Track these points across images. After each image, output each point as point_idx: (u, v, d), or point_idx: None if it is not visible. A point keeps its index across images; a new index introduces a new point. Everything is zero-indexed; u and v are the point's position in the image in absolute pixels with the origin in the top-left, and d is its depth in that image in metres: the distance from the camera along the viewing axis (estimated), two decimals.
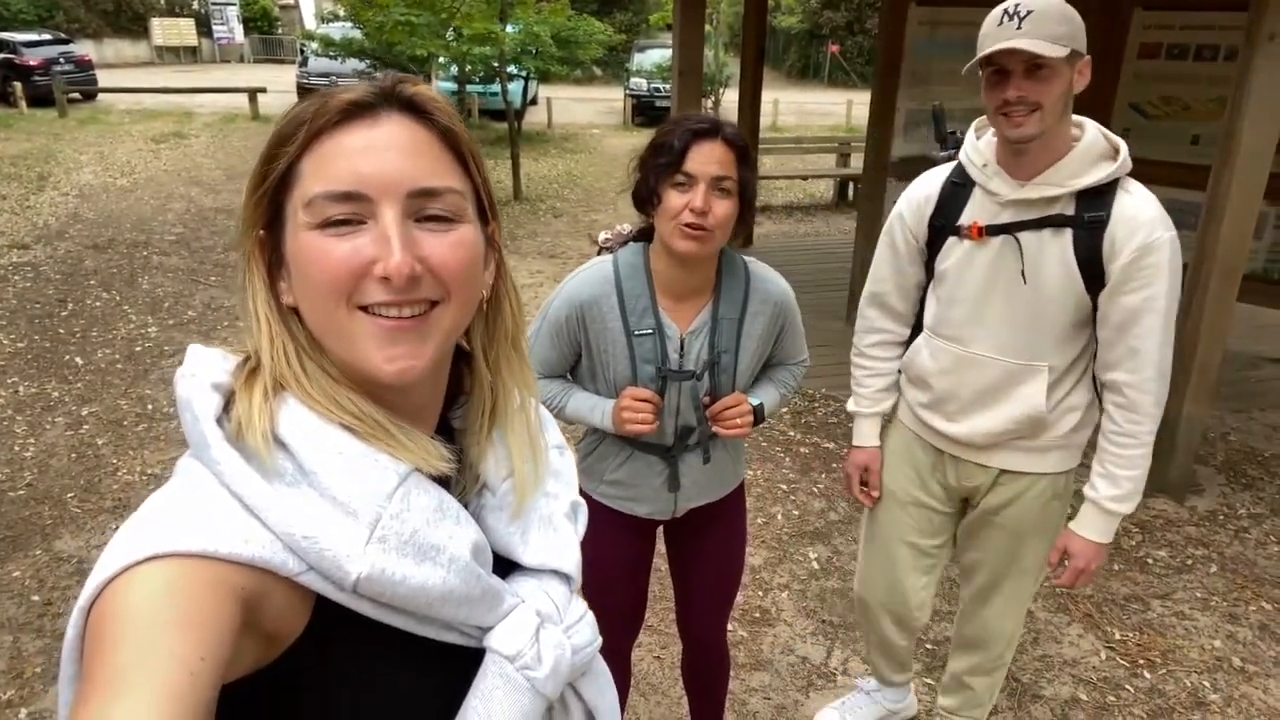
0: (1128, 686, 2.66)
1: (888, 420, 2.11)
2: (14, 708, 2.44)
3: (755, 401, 1.71)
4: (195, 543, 0.56)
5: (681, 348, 1.64)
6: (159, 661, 0.50)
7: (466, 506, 0.73)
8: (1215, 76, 4.75)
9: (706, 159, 1.50)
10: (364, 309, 0.64)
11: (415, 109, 0.68)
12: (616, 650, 1.93)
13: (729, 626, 2.76)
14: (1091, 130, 1.68)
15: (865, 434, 2.09)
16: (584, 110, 18.62)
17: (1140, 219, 1.62)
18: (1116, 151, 1.66)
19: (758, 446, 4.11)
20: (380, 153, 0.64)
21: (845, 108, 18.20)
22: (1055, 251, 1.69)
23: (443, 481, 0.70)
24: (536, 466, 0.79)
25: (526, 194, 10.02)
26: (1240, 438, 4.33)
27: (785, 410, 4.45)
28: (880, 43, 5.25)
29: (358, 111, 0.65)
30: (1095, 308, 1.72)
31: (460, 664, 0.70)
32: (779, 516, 3.54)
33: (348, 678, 0.65)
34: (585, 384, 1.73)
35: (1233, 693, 2.65)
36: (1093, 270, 1.66)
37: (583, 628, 0.77)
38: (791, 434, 4.27)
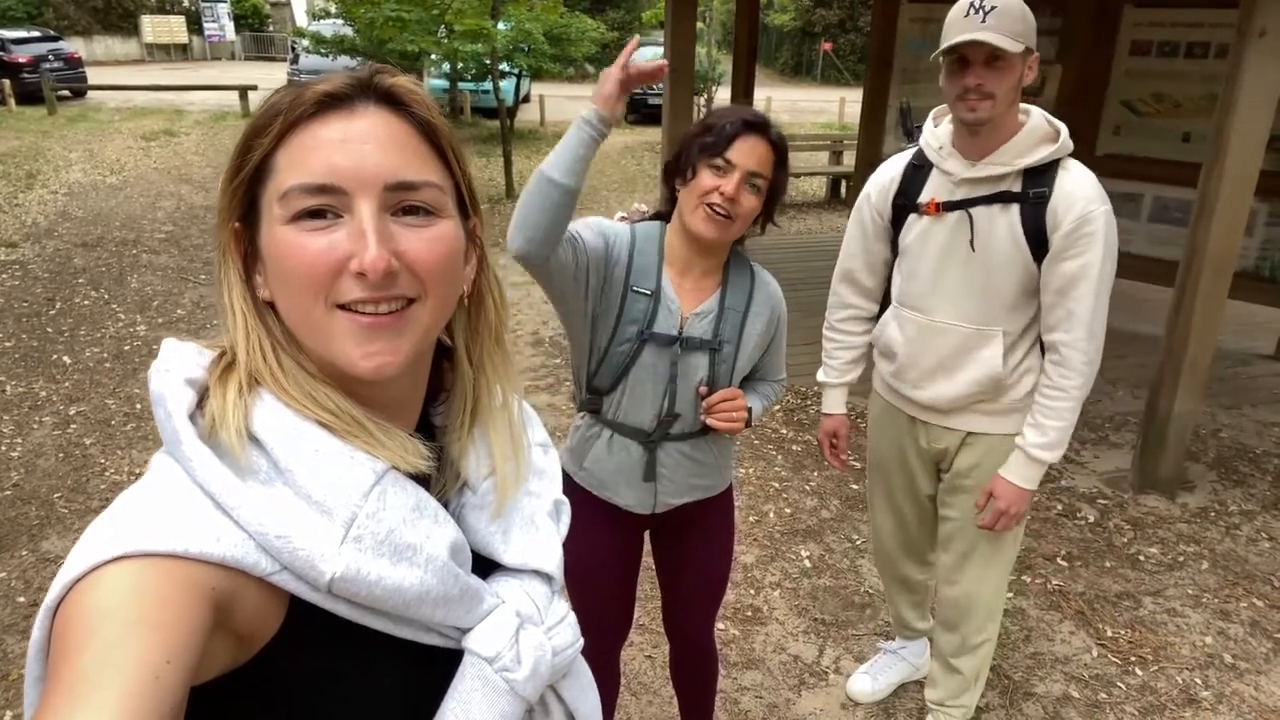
0: (1119, 684, 2.66)
1: (866, 392, 2.27)
2: None
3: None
4: (165, 542, 0.54)
5: (681, 327, 1.63)
6: (123, 664, 0.49)
7: (446, 505, 0.72)
8: (1206, 73, 4.76)
9: (749, 152, 1.54)
10: (341, 307, 0.63)
11: (393, 101, 0.66)
12: (605, 652, 1.91)
13: (720, 625, 2.76)
14: (1036, 115, 1.84)
15: (833, 402, 2.27)
16: (576, 108, 18.14)
17: (1078, 194, 1.77)
18: (1058, 134, 1.82)
19: (750, 444, 4.10)
20: (357, 145, 0.63)
21: (838, 105, 18.23)
22: (1004, 225, 1.84)
23: (422, 480, 0.68)
24: (519, 465, 0.78)
25: (519, 192, 9.98)
26: (1232, 434, 4.34)
27: (778, 408, 4.45)
28: (872, 40, 5.24)
29: (334, 103, 0.64)
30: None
31: (439, 666, 0.69)
32: (771, 514, 3.53)
33: (323, 679, 0.64)
34: (574, 329, 1.64)
35: (1224, 689, 2.65)
36: (1039, 241, 1.81)
37: (564, 629, 0.75)
38: (784, 432, 4.26)
